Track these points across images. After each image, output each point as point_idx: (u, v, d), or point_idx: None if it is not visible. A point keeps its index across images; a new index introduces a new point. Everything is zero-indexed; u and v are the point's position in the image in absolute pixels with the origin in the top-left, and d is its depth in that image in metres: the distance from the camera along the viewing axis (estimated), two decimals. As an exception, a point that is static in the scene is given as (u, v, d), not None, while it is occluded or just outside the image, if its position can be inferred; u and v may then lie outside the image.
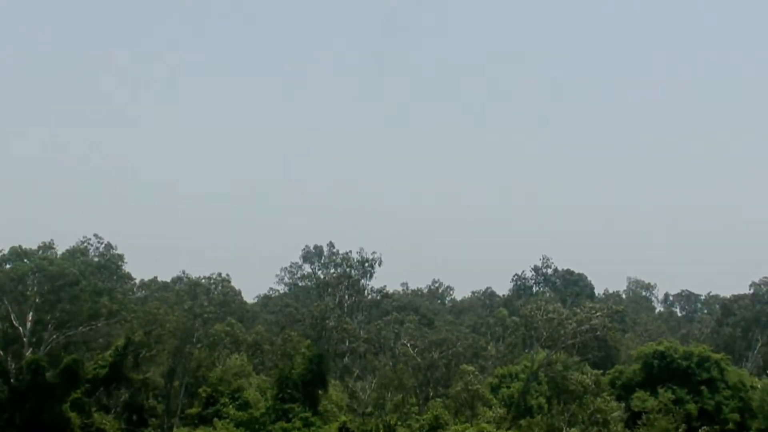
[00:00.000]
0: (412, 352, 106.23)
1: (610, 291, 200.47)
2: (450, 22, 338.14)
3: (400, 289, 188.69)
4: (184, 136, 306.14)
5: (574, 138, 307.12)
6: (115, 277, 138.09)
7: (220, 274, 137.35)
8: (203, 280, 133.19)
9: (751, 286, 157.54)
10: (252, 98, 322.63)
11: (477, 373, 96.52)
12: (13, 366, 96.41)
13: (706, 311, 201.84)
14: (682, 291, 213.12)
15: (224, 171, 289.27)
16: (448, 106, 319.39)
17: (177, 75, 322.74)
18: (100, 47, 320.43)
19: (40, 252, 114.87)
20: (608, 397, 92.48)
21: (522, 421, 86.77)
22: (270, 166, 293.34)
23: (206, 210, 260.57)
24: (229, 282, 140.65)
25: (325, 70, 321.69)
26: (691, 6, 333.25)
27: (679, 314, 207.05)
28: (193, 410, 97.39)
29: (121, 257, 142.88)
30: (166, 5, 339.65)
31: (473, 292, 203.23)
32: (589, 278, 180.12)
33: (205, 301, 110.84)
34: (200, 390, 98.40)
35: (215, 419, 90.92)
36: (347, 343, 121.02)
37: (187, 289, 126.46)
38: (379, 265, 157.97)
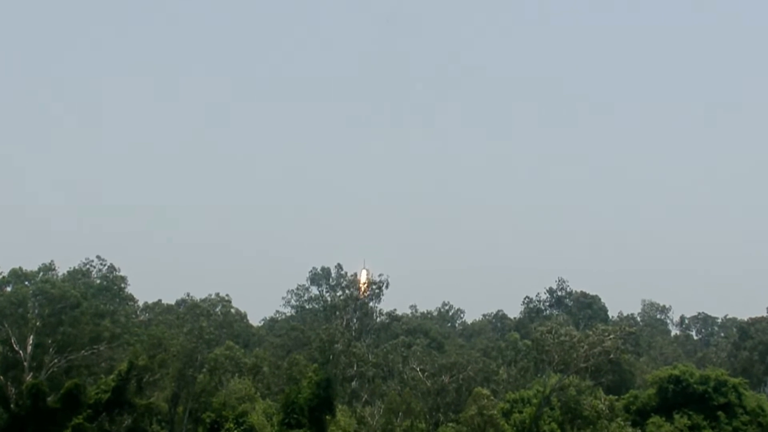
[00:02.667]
0: (421, 376, 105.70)
1: (625, 314, 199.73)
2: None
3: (409, 311, 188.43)
4: (189, 158, 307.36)
5: (589, 160, 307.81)
6: (117, 300, 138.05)
7: (218, 294, 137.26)
8: (202, 302, 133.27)
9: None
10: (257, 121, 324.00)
11: (492, 398, 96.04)
12: (13, 391, 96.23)
13: (722, 334, 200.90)
14: (698, 314, 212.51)
15: (228, 194, 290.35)
16: (458, 122, 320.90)
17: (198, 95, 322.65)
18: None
19: (41, 274, 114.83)
20: (623, 423, 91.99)
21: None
22: (274, 188, 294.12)
23: (211, 232, 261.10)
24: (230, 302, 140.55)
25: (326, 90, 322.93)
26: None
27: (695, 337, 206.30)
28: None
29: (123, 279, 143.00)
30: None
31: (484, 315, 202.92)
32: (603, 301, 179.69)
33: (205, 322, 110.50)
34: (204, 415, 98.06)
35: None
36: (355, 367, 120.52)
37: (186, 311, 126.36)
38: (387, 287, 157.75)
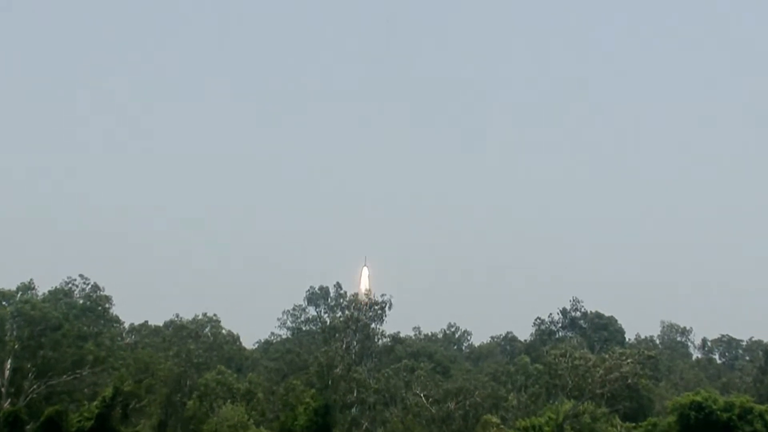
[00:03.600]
0: (425, 402, 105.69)
1: (643, 336, 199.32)
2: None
3: (412, 333, 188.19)
4: (178, 172, 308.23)
5: (605, 172, 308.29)
6: (101, 321, 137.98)
7: (206, 314, 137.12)
8: (190, 324, 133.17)
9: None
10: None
11: (502, 426, 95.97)
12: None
13: (748, 358, 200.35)
14: (722, 336, 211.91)
15: (218, 210, 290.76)
16: (460, 137, 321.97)
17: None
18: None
19: (20, 294, 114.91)
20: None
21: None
22: (269, 201, 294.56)
23: (201, 249, 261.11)
24: (219, 323, 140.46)
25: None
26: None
27: (719, 361, 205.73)
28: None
29: (108, 299, 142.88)
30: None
31: (492, 338, 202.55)
32: (619, 322, 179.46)
33: (193, 345, 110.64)
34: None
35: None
36: (355, 393, 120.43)
37: (173, 333, 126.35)
38: (390, 307, 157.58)
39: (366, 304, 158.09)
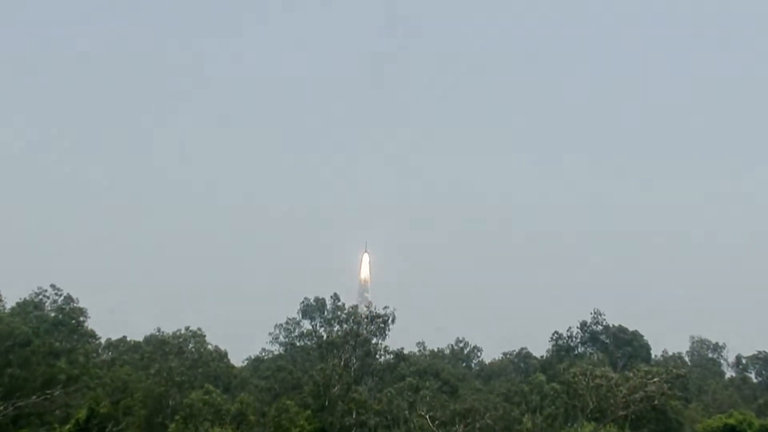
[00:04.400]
0: (431, 425, 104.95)
1: (671, 352, 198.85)
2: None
3: (416, 349, 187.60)
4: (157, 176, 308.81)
5: (629, 178, 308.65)
6: (75, 336, 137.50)
7: (189, 328, 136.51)
8: (172, 338, 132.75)
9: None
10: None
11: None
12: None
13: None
14: (758, 353, 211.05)
15: (202, 215, 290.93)
16: (477, 140, 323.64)
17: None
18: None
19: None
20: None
21: None
22: (260, 205, 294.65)
23: (184, 257, 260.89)
24: (204, 337, 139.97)
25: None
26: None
27: (754, 380, 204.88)
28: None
29: (82, 312, 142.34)
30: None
31: (505, 354, 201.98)
32: (645, 337, 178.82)
33: (175, 362, 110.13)
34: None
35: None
36: (354, 415, 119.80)
37: (154, 349, 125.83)
38: (393, 321, 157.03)
39: (366, 318, 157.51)
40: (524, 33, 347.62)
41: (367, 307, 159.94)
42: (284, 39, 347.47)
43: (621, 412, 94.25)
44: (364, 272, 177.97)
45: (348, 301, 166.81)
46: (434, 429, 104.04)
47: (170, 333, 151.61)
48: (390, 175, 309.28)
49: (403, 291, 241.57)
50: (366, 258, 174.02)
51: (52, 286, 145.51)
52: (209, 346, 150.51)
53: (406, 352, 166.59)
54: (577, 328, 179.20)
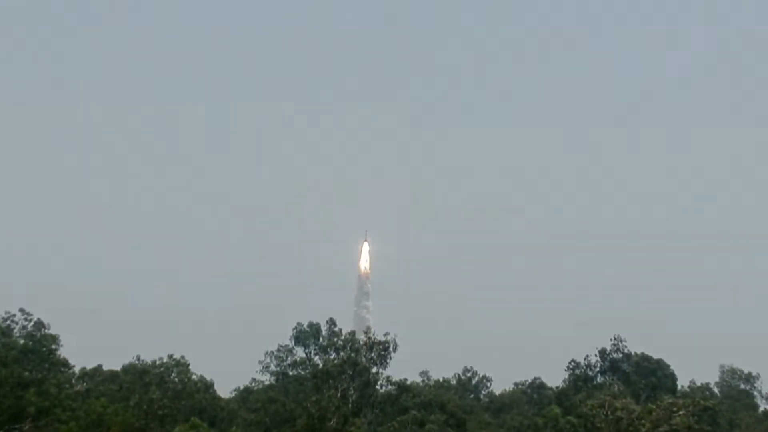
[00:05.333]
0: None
1: (698, 383, 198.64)
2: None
3: (420, 379, 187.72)
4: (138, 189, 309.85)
5: (661, 202, 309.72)
6: (46, 365, 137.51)
7: (172, 357, 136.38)
8: (152, 367, 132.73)
9: None
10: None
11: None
12: None
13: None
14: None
15: (188, 230, 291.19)
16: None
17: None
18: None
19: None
20: None
21: None
22: (247, 216, 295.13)
23: (165, 278, 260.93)
24: (188, 366, 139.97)
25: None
26: None
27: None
28: None
29: (55, 339, 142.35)
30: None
31: (516, 384, 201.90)
32: (670, 366, 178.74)
33: (156, 393, 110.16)
34: None
35: None
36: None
37: (133, 379, 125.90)
38: (395, 349, 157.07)
39: (365, 345, 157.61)
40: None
41: (366, 333, 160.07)
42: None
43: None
44: (364, 263, 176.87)
45: (345, 326, 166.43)
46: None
47: (150, 362, 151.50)
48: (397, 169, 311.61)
49: (406, 286, 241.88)
50: (366, 247, 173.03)
51: (21, 310, 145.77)
52: (194, 376, 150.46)
53: (409, 382, 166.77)
54: (596, 355, 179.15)
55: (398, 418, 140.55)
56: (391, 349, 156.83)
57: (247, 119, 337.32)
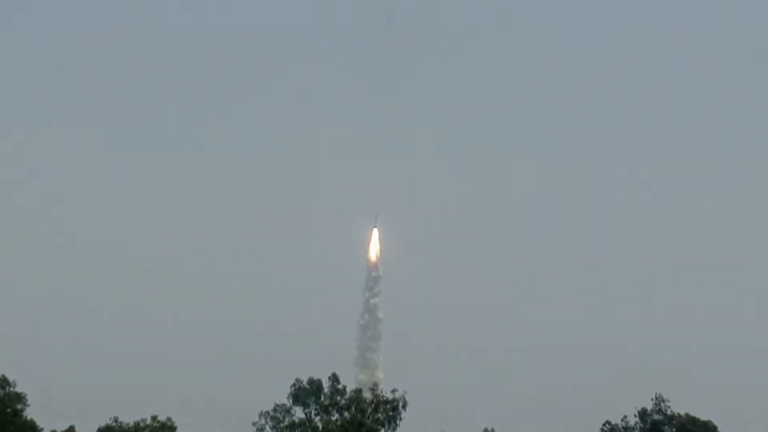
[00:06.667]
0: None
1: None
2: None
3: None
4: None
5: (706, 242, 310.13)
6: (11, 428, 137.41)
7: (155, 418, 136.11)
8: (133, 430, 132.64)
9: None
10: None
11: None
12: None
13: None
14: None
15: (170, 271, 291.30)
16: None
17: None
18: None
19: None
20: None
21: None
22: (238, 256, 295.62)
23: (145, 327, 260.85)
24: (174, 429, 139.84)
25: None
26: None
27: None
28: None
29: (21, 398, 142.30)
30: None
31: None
32: (719, 428, 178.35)
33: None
34: None
35: None
36: None
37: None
38: (405, 407, 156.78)
39: (372, 403, 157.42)
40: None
41: (373, 390, 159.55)
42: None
43: None
44: (374, 251, 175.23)
45: (348, 383, 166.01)
46: None
47: (131, 423, 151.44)
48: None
49: (421, 280, 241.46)
50: (375, 233, 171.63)
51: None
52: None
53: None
54: (635, 416, 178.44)
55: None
56: (400, 407, 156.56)
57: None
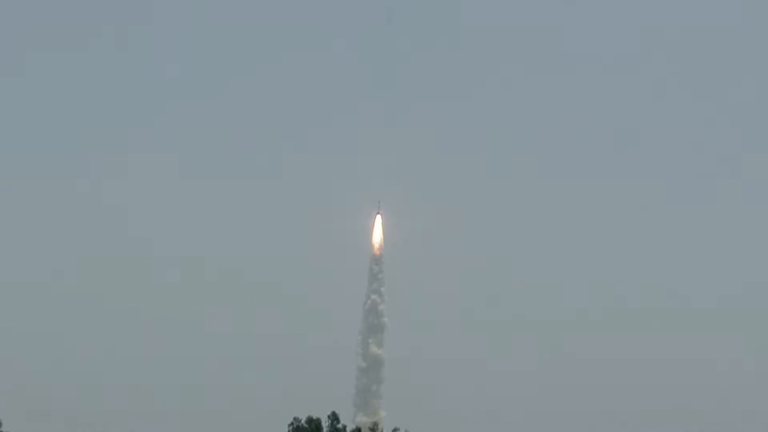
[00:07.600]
0: None
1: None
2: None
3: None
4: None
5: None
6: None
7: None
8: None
9: None
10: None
11: None
12: None
13: None
14: None
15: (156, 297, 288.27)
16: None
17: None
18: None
19: None
20: None
21: None
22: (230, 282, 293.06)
23: (131, 361, 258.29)
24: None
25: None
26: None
27: None
28: None
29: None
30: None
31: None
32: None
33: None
34: None
35: None
36: None
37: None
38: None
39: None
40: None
41: (373, 430, 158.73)
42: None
43: None
44: (377, 238, 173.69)
45: (348, 423, 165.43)
46: None
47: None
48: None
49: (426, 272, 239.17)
50: (379, 220, 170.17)
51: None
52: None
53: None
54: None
55: None
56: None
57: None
